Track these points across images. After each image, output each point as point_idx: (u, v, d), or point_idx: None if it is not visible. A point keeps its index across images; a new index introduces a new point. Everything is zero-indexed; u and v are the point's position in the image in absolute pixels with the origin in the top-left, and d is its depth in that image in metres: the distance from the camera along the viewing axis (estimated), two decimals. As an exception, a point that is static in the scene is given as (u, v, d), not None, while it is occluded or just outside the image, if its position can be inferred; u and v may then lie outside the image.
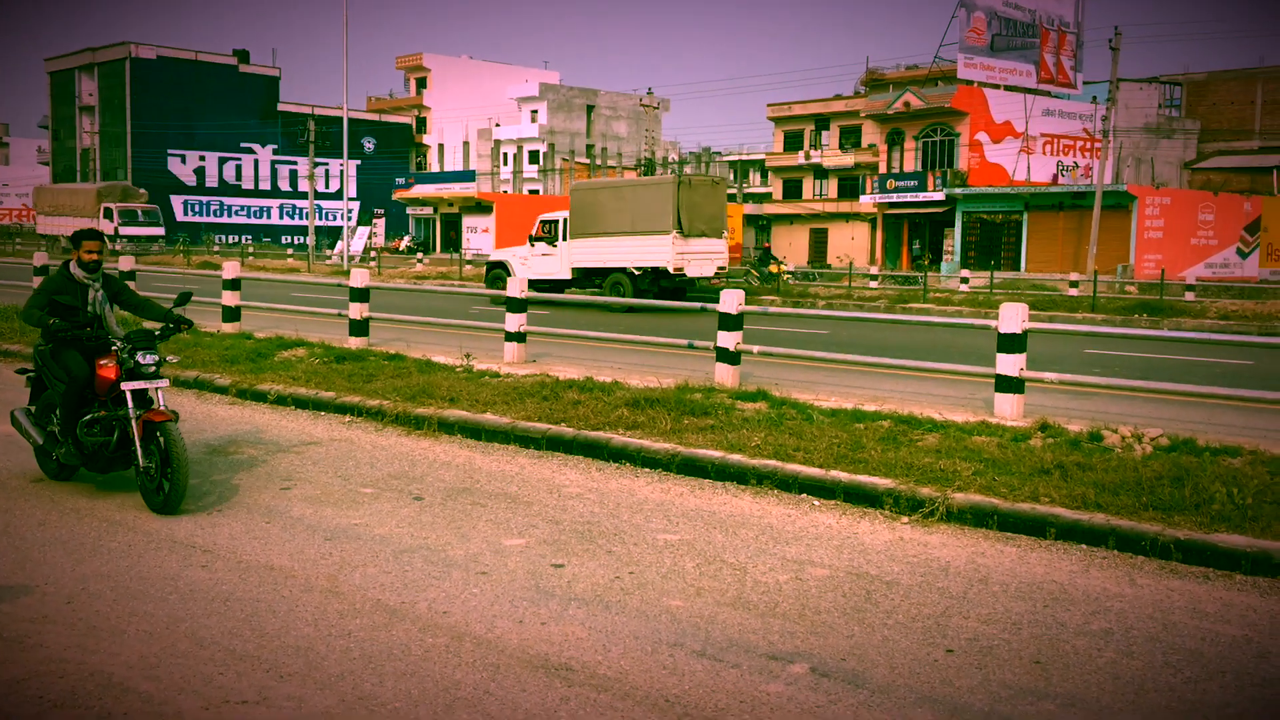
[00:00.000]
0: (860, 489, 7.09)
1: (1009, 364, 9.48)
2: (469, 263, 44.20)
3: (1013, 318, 9.47)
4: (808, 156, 63.97)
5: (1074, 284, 32.50)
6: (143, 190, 59.77)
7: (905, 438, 8.25)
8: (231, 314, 15.26)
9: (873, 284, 37.72)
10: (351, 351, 12.82)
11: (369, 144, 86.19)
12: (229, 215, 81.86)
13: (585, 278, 26.53)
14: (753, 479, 7.55)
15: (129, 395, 6.78)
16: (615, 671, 4.44)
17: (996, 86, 51.66)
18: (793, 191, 65.90)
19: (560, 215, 26.97)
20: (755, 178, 75.84)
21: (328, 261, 48.68)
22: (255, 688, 4.22)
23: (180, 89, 78.03)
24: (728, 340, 11.09)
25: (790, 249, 58.12)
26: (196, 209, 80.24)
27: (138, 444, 6.68)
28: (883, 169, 54.61)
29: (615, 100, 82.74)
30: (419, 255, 53.84)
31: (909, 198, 51.30)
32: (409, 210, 75.33)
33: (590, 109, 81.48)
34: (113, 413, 6.87)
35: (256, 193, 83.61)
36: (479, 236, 56.50)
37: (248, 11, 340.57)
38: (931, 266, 45.63)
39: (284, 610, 5.06)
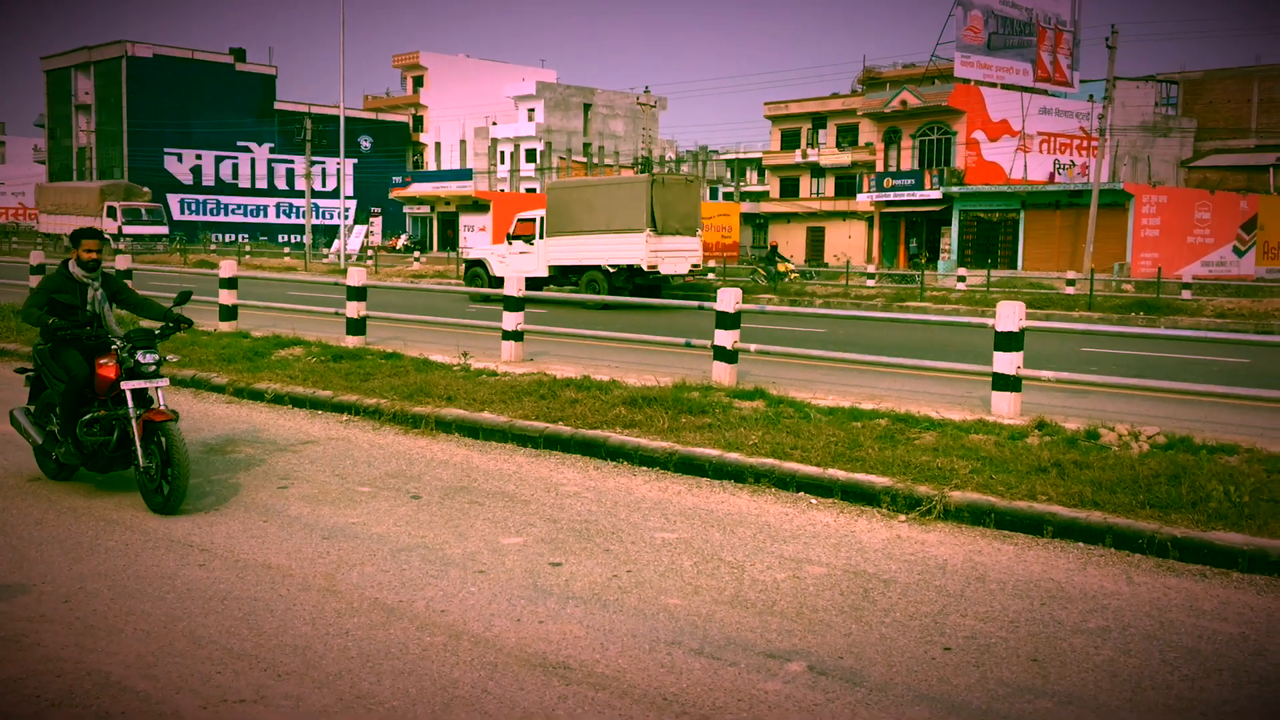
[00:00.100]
0: (858, 487, 7.10)
1: (1006, 362, 9.48)
2: (466, 261, 44.12)
3: (1010, 316, 9.48)
4: (805, 155, 64.07)
5: (1071, 282, 32.48)
6: (146, 189, 59.68)
7: (902, 436, 8.25)
8: (228, 313, 15.25)
9: (870, 282, 37.73)
10: (349, 350, 12.81)
11: (366, 143, 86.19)
12: (225, 214, 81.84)
13: (562, 275, 26.69)
14: (750, 477, 7.55)
15: (129, 394, 6.76)
16: (613, 670, 4.44)
17: (993, 85, 51.67)
18: (790, 190, 65.99)
19: (538, 214, 27.15)
20: (752, 176, 75.91)
21: (325, 260, 48.65)
22: (253, 686, 4.22)
23: (177, 88, 78.00)
24: (725, 339, 11.09)
25: (787, 247, 58.10)
26: (193, 208, 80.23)
27: (138, 444, 6.67)
28: (880, 167, 54.60)
29: (612, 99, 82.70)
30: (416, 254, 53.81)
31: (906, 196, 51.29)
32: (406, 209, 75.27)
33: (587, 107, 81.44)
34: (113, 412, 6.84)
35: (253, 191, 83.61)
36: (476, 235, 56.41)
37: (245, 10, 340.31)
38: (928, 265, 45.59)
39: (281, 609, 5.06)
